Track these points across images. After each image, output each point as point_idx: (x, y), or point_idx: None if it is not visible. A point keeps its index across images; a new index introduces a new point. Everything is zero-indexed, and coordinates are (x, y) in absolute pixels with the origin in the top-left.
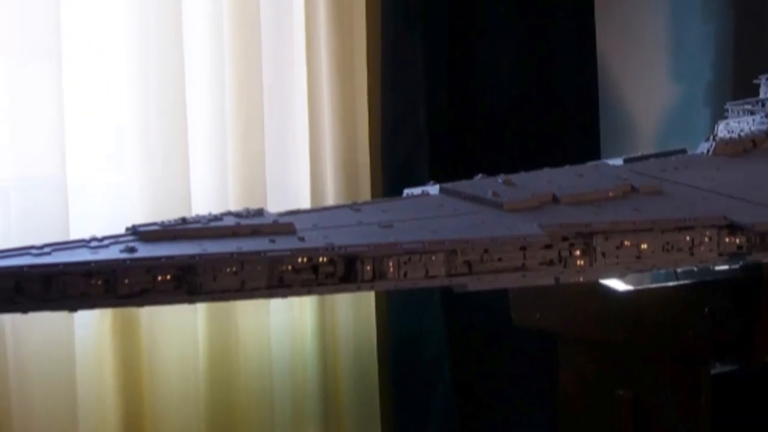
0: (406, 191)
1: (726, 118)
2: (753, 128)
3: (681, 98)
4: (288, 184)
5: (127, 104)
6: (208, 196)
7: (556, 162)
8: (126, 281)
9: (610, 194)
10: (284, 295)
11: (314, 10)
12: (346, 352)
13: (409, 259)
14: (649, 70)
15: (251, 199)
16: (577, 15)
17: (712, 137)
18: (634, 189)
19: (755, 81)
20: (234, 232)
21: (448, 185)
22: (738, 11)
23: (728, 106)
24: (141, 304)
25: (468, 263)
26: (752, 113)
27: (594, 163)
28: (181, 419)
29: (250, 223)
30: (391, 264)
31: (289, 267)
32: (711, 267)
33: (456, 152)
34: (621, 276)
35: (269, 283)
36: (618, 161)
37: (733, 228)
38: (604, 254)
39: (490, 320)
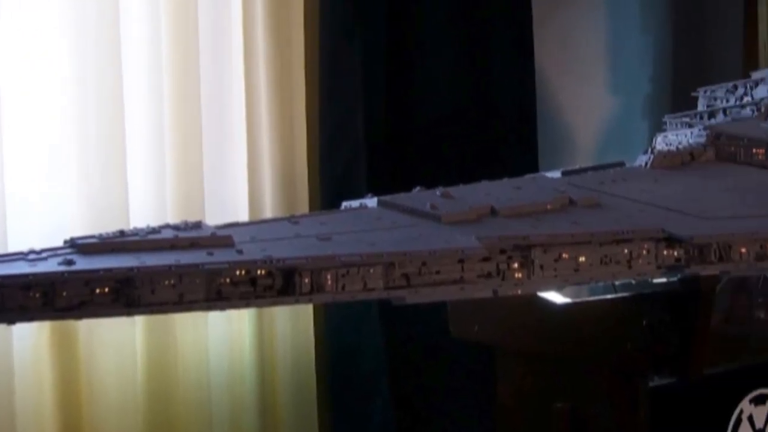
0: (344, 204)
1: (664, 130)
2: (691, 141)
3: (619, 111)
4: (226, 197)
5: (65, 116)
6: (146, 208)
7: (494, 174)
8: (64, 294)
9: (548, 207)
10: (222, 308)
11: (252, 22)
12: (284, 365)
13: (347, 271)
14: (588, 83)
15: (189, 212)
16: (516, 27)
17: (650, 150)
18: (572, 202)
19: (693, 94)
20: (172, 245)
21: (386, 198)
22: (676, 24)
23: (666, 118)
24: (79, 317)
25: (406, 276)
26: (690, 126)
27: (532, 175)
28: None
29: (188, 236)
30: (329, 277)
31: (227, 280)
32: (649, 280)
33: (394, 164)
34: (559, 289)
35: (207, 295)
36: (556, 174)
37: (671, 241)
38: (542, 267)
39: (429, 333)
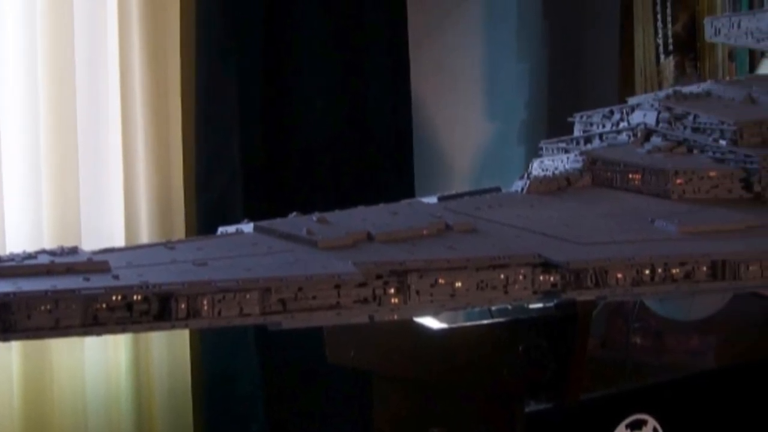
0: (221, 229)
1: (540, 156)
2: (567, 166)
3: (495, 136)
4: (102, 222)
5: None
6: (22, 234)
7: (370, 200)
8: None
9: (425, 232)
10: (99, 333)
11: (128, 47)
12: (161, 390)
13: (224, 297)
14: (464, 109)
15: (66, 238)
16: (392, 53)
17: (526, 175)
18: (448, 227)
19: (569, 119)
20: (48, 270)
21: (263, 223)
22: (552, 51)
23: (543, 144)
24: None
25: (282, 301)
26: (567, 151)
27: (408, 201)
28: None
29: (65, 261)
30: (205, 302)
31: (104, 305)
32: (525, 305)
33: (270, 190)
34: (435, 314)
35: (84, 321)
36: (432, 199)
37: (547, 266)
38: (418, 292)
39: (305, 358)
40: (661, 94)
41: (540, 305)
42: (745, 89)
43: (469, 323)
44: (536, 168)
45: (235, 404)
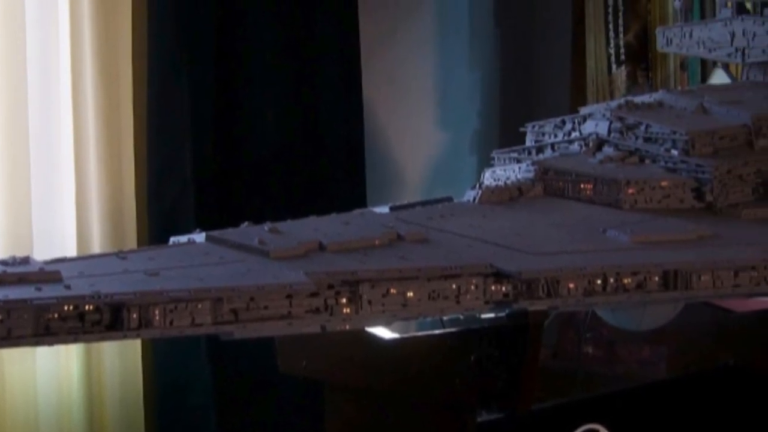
0: (173, 239)
1: (492, 166)
2: (519, 176)
3: (447, 146)
4: (54, 232)
5: None
6: None
7: (322, 210)
8: None
9: (377, 242)
10: (51, 343)
11: (80, 58)
12: (113, 400)
13: (176, 307)
14: (416, 119)
15: (18, 247)
16: (343, 63)
17: (478, 185)
18: (400, 237)
19: (521, 129)
20: (0, 280)
21: (215, 233)
22: (504, 61)
23: (494, 154)
24: None
25: (234, 311)
26: (518, 161)
27: (360, 210)
28: None
29: (16, 271)
30: (157, 312)
31: (56, 315)
32: (477, 315)
33: (222, 200)
34: (387, 324)
35: (35, 331)
36: (384, 209)
37: (499, 276)
38: (370, 302)
39: (257, 368)
40: (613, 104)
41: (492, 315)
42: (697, 99)
43: (421, 333)
44: (488, 178)
45: (187, 414)
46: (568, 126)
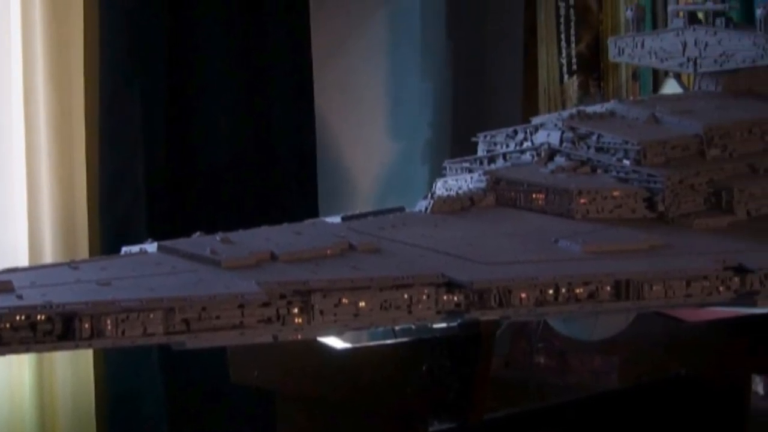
0: (125, 249)
1: (444, 176)
2: (471, 186)
3: (399, 156)
4: (5, 242)
5: None
6: None
7: (274, 220)
8: None
9: (328, 252)
10: (2, 353)
11: (32, 66)
12: (65, 409)
13: (127, 317)
14: (368, 128)
15: None
16: (295, 73)
17: (430, 195)
18: (352, 247)
19: (473, 139)
20: None
21: (167, 243)
22: (456, 70)
23: (446, 164)
24: None
25: (186, 321)
26: (470, 171)
27: (312, 220)
28: None
29: None
30: (109, 322)
31: (7, 325)
32: (429, 325)
33: (174, 210)
34: (339, 334)
35: None
36: (336, 219)
37: (451, 286)
38: (322, 312)
39: (209, 377)
40: (565, 113)
41: (444, 325)
42: (649, 109)
43: (373, 343)
44: (440, 188)
45: (138, 424)
46: (520, 136)
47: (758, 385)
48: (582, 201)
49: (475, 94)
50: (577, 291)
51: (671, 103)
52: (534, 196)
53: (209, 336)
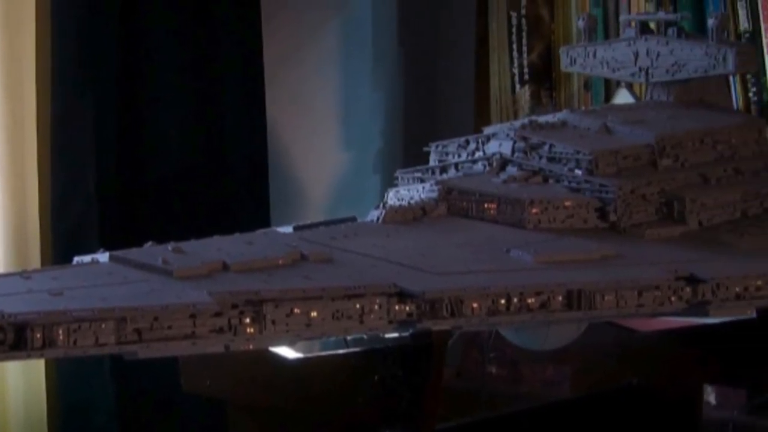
0: (76, 259)
1: (396, 185)
2: (423, 196)
3: (351, 166)
4: None
5: None
6: None
7: (226, 229)
8: None
9: (280, 262)
10: None
11: None
12: (17, 419)
13: (79, 326)
14: (320, 138)
15: None
16: (247, 83)
17: (382, 205)
18: (304, 257)
19: (425, 149)
20: None
21: (118, 253)
22: (408, 80)
23: (398, 173)
24: None
25: (138, 331)
26: (422, 181)
27: (264, 230)
28: None
29: None
30: (60, 332)
31: None
32: (381, 335)
33: (126, 220)
34: (291, 344)
35: None
36: (288, 229)
37: (402, 296)
38: (274, 322)
39: (161, 387)
40: (517, 123)
41: (396, 335)
42: (601, 119)
43: (324, 353)
44: (392, 197)
45: None
46: (472, 146)
47: (710, 395)
48: (534, 211)
49: (426, 104)
50: (529, 301)
51: (623, 113)
52: (486, 206)
53: (161, 346)
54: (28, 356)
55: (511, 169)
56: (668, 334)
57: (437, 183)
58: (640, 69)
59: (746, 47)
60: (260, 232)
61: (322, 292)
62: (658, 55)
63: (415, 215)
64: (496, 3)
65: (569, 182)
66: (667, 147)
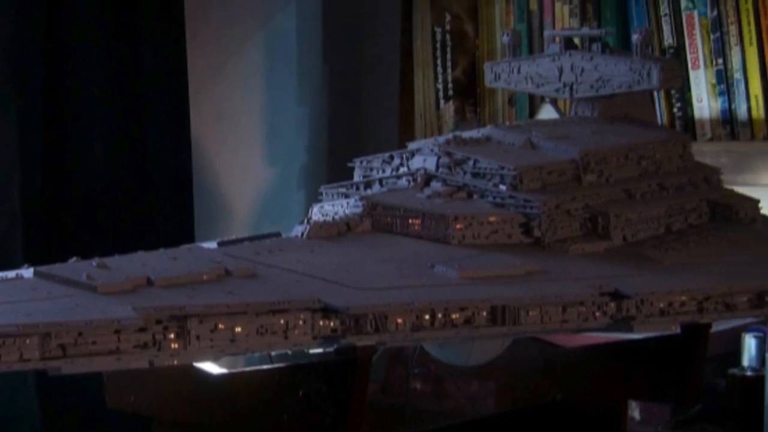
0: (0, 274)
1: (320, 201)
2: (347, 211)
3: (276, 181)
4: None
5: None
6: None
7: (150, 245)
8: None
9: (204, 277)
10: None
11: None
12: None
13: (3, 342)
14: (244, 154)
15: None
16: (171, 99)
17: (306, 220)
18: (228, 272)
19: (350, 164)
20: None
21: (43, 268)
22: (332, 95)
23: (323, 189)
24: None
25: (62, 346)
26: (347, 196)
27: (188, 246)
28: None
29: None
30: None
31: None
32: (306, 350)
33: (50, 235)
34: (215, 359)
35: None
36: (212, 244)
37: (327, 311)
38: (198, 337)
39: (86, 403)
40: (441, 139)
41: (320, 350)
42: (525, 134)
43: (249, 368)
44: (316, 213)
45: None
46: (397, 161)
47: (635, 411)
48: (458, 226)
49: (351, 119)
50: (453, 316)
51: (548, 129)
52: (410, 221)
53: (85, 361)
54: None
55: (436, 185)
56: (593, 350)
57: (362, 198)
58: (565, 84)
59: (671, 63)
60: (184, 247)
61: (246, 308)
62: (582, 70)
63: (339, 231)
64: (421, 19)
65: (494, 198)
66: (591, 162)
